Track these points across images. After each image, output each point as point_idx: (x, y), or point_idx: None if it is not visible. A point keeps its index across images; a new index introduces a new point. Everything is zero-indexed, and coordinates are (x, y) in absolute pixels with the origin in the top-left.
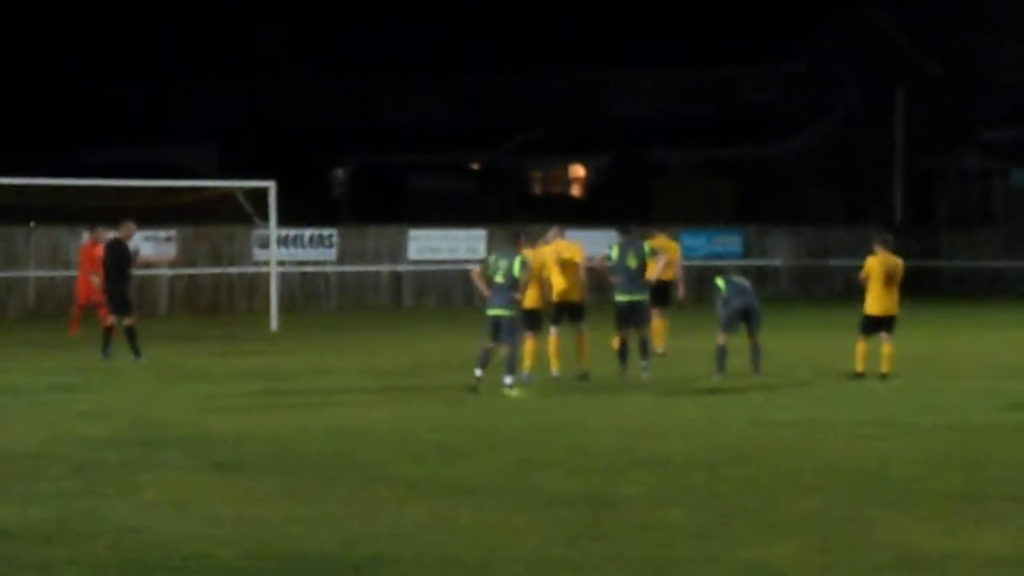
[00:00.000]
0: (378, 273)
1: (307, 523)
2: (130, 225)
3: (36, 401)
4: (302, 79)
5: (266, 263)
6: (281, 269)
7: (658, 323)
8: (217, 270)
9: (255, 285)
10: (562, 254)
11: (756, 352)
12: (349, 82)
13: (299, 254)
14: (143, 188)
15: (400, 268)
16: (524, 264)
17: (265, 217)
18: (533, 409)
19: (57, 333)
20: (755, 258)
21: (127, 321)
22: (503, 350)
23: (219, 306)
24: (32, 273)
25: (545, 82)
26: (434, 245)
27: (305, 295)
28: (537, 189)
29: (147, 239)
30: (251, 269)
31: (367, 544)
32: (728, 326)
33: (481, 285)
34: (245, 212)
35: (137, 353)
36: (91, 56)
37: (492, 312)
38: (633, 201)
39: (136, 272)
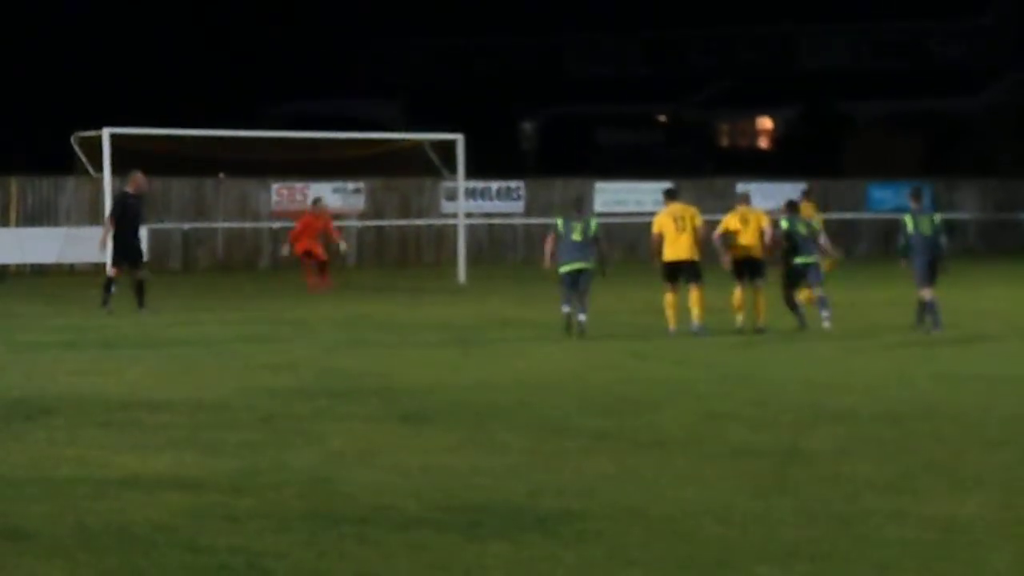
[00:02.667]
0: None
1: (493, 474)
2: (138, 177)
3: (225, 352)
4: (490, 32)
5: (454, 215)
6: (469, 221)
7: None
8: (405, 222)
9: (443, 237)
10: (746, 216)
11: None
12: (537, 34)
13: (486, 206)
14: (332, 140)
15: None
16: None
17: (453, 169)
18: (718, 362)
19: (246, 284)
20: (943, 211)
21: (140, 275)
22: (585, 299)
23: (407, 258)
24: (221, 224)
25: (732, 35)
26: (621, 197)
27: (492, 247)
28: (724, 142)
29: (336, 191)
30: (439, 221)
31: (553, 496)
32: (925, 281)
33: (549, 251)
34: (433, 164)
35: (142, 304)
36: (277, 9)
37: (572, 267)
38: (822, 154)
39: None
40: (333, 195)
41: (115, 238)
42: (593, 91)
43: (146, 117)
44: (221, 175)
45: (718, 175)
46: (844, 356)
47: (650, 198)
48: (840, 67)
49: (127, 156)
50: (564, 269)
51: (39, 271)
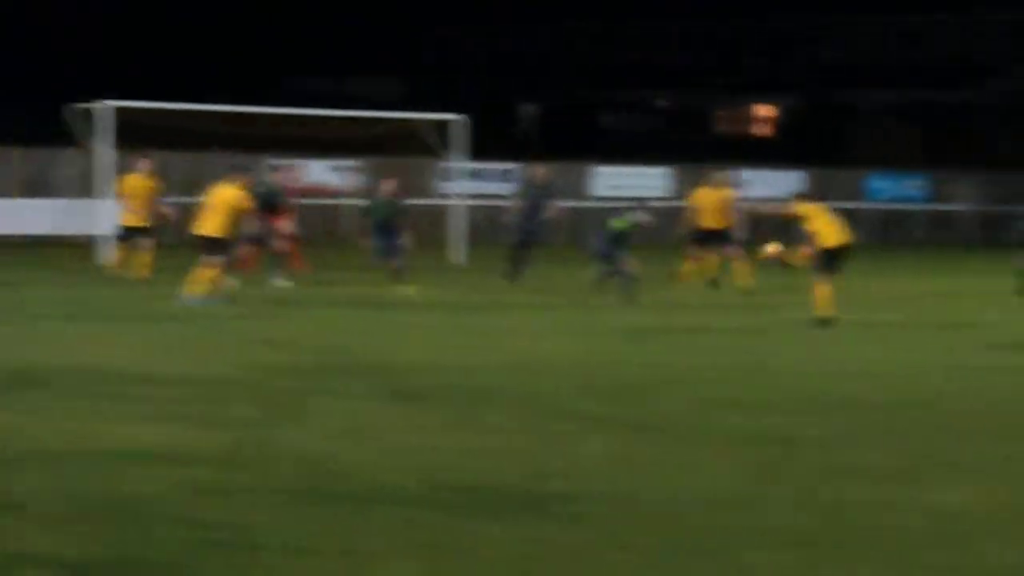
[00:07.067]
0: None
1: (487, 455)
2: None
3: (222, 327)
4: (495, 17)
5: (451, 196)
6: (467, 203)
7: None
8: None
9: (440, 218)
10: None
11: None
12: (543, 19)
13: (484, 188)
14: (332, 118)
15: (583, 204)
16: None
17: (451, 150)
18: (713, 348)
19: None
20: (941, 203)
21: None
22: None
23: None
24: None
25: (736, 25)
26: (619, 182)
27: (489, 229)
28: (722, 128)
29: (335, 169)
30: (437, 201)
31: (546, 478)
32: None
33: None
34: (432, 145)
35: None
36: None
37: None
38: (823, 143)
39: (323, 201)
40: (332, 173)
41: None
42: (596, 76)
43: (149, 90)
44: (215, 147)
45: (715, 161)
46: (847, 345)
47: (649, 183)
48: (841, 57)
49: (127, 129)
50: None
51: (34, 242)
